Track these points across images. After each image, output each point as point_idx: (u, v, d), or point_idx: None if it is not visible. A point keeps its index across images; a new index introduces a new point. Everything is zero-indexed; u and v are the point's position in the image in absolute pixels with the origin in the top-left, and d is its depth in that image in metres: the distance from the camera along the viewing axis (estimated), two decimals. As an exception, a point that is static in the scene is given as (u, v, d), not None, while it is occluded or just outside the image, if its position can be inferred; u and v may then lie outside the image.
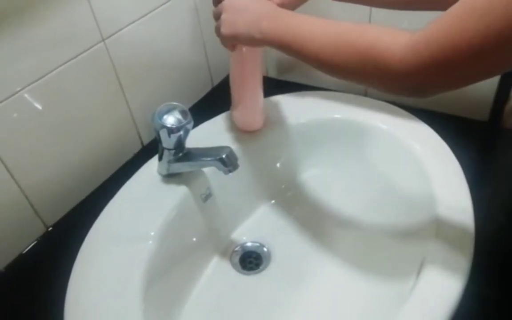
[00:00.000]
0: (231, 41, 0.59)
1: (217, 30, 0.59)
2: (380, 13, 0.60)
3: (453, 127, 0.68)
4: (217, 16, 0.59)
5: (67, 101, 0.62)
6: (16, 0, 0.52)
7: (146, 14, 0.69)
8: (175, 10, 0.75)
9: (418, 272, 0.51)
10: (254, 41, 0.54)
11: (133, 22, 0.68)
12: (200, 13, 0.80)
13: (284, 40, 0.51)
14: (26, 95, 0.56)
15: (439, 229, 0.54)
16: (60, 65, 0.59)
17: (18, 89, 0.55)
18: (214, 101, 0.86)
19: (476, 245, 0.51)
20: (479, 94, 0.71)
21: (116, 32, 0.65)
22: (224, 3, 0.57)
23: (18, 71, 0.54)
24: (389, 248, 0.64)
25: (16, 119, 0.56)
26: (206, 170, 0.66)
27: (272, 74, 0.91)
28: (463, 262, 0.50)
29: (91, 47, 0.62)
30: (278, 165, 0.76)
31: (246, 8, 0.55)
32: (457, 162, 0.62)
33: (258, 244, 0.71)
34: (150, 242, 0.57)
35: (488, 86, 0.69)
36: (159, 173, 0.65)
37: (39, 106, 0.58)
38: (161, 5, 0.72)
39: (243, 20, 0.55)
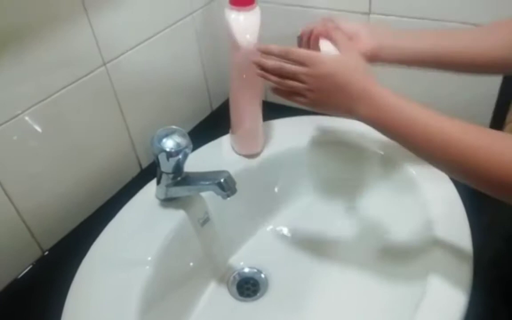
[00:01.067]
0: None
1: (285, 92, 0.54)
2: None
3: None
4: (290, 75, 0.52)
5: (67, 124, 0.62)
6: (19, 23, 0.53)
7: (147, 39, 0.70)
8: (175, 35, 0.76)
9: (417, 305, 0.50)
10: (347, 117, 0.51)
11: (135, 46, 0.69)
12: (200, 38, 0.82)
13: (385, 128, 0.48)
14: (26, 118, 0.56)
15: (436, 255, 0.54)
16: (61, 89, 0.59)
17: (19, 112, 0.55)
18: (213, 125, 0.87)
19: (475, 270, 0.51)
20: (479, 107, 0.71)
21: (118, 57, 0.66)
22: (308, 72, 0.51)
23: (19, 94, 0.55)
24: (387, 278, 0.63)
25: (15, 142, 0.56)
26: (204, 194, 0.65)
27: (272, 98, 0.91)
28: (461, 295, 0.49)
29: (92, 71, 0.63)
30: (276, 189, 0.76)
31: (337, 88, 0.49)
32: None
33: (255, 270, 0.71)
34: (147, 267, 0.56)
35: (489, 99, 0.70)
36: (157, 197, 0.64)
37: (39, 129, 0.58)
38: (162, 31, 0.73)
39: (336, 102, 0.50)
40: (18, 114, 0.55)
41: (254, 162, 0.72)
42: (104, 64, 0.64)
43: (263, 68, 0.56)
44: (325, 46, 0.57)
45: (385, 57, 0.56)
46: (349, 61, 0.51)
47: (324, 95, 0.51)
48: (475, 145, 0.41)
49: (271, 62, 0.54)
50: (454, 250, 0.54)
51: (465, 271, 0.51)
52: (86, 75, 0.62)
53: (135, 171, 0.76)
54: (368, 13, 0.72)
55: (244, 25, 0.62)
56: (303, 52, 0.52)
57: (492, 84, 0.68)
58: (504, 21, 0.54)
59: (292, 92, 0.53)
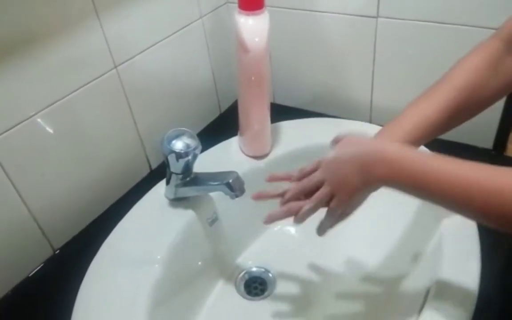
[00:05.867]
0: None
1: (319, 201, 0.50)
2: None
3: (457, 154, 0.68)
4: (311, 186, 0.51)
5: (78, 126, 0.63)
6: (31, 27, 0.54)
7: (157, 42, 0.71)
8: (185, 39, 0.77)
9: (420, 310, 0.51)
10: None
11: (145, 50, 0.70)
12: (209, 41, 0.83)
13: (408, 185, 0.44)
14: (39, 120, 0.57)
15: (441, 274, 0.53)
16: (73, 91, 0.61)
17: (32, 113, 0.56)
18: (221, 126, 0.88)
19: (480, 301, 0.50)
20: (484, 121, 0.71)
21: (128, 59, 0.67)
22: (322, 165, 0.50)
23: (32, 96, 0.56)
24: (395, 280, 0.64)
25: (28, 143, 0.57)
26: (213, 194, 0.66)
27: (279, 100, 0.93)
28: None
29: (103, 74, 0.64)
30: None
31: (348, 163, 0.47)
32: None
33: (263, 270, 0.71)
34: (156, 266, 0.57)
35: (493, 113, 0.70)
36: (167, 197, 0.65)
37: (51, 131, 0.59)
38: (172, 34, 0.74)
39: (354, 178, 0.47)
40: (31, 116, 0.56)
41: (262, 163, 0.73)
42: (115, 66, 0.65)
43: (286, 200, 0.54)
44: None
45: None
46: (352, 138, 0.50)
47: (340, 178, 0.48)
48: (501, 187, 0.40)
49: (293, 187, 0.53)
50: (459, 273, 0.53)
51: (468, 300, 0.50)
52: (97, 78, 0.63)
53: (145, 171, 0.77)
54: (376, 17, 0.72)
55: (253, 29, 0.63)
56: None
57: (496, 109, 0.69)
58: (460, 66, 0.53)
59: (318, 201, 0.51)
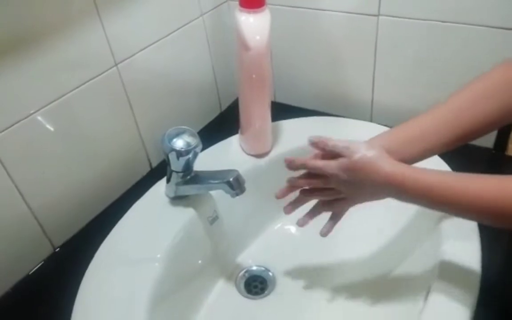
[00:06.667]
0: None
1: (326, 201, 0.58)
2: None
3: (458, 152, 0.68)
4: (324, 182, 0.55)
5: (79, 123, 0.63)
6: (32, 25, 0.54)
7: (157, 41, 0.71)
8: (186, 37, 0.77)
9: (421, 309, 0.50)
10: None
11: (145, 48, 0.69)
12: (210, 39, 0.83)
13: (421, 203, 0.49)
14: (39, 118, 0.57)
15: (443, 269, 0.53)
16: (73, 89, 0.60)
17: (32, 111, 0.56)
18: (222, 125, 0.88)
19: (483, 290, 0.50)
20: None
21: (129, 57, 0.67)
22: (335, 178, 0.53)
23: (32, 94, 0.56)
24: (395, 278, 0.64)
25: (28, 141, 0.57)
26: (213, 193, 0.66)
27: (280, 99, 0.93)
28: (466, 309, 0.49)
29: (104, 72, 0.64)
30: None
31: (364, 184, 0.51)
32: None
33: (263, 268, 0.71)
34: (157, 264, 0.57)
35: None
36: (167, 195, 0.65)
37: (51, 128, 0.59)
38: (172, 32, 0.74)
39: (368, 194, 0.53)
40: (32, 113, 0.56)
41: (262, 161, 0.73)
42: (116, 64, 0.65)
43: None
44: None
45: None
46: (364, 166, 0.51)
47: (355, 194, 0.55)
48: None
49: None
50: (461, 266, 0.53)
51: (471, 288, 0.51)
52: (98, 76, 0.63)
53: (145, 169, 0.77)
54: (377, 15, 0.72)
55: (254, 27, 0.63)
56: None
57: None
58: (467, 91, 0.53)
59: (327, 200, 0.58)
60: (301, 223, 0.60)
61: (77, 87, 0.61)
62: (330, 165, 0.53)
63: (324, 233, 0.59)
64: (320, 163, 0.55)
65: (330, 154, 0.54)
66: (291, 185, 0.59)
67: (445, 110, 0.53)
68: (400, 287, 0.63)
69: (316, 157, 0.57)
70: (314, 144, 0.55)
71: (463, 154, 0.70)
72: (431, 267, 0.55)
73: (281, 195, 0.60)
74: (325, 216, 0.60)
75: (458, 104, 0.53)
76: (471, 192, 0.45)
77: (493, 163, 0.74)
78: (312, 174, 0.57)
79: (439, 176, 0.47)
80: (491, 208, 0.43)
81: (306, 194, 0.59)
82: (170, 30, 0.73)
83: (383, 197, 0.52)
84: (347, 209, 0.58)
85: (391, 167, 0.49)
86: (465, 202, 0.45)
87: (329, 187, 0.55)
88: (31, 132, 0.57)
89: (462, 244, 0.55)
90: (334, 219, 0.59)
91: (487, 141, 0.74)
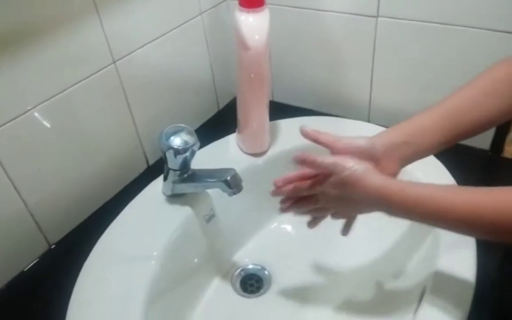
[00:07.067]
0: None
1: (321, 216, 0.58)
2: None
3: (454, 154, 0.68)
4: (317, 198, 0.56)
5: (76, 120, 0.63)
6: (30, 21, 0.54)
7: (156, 38, 0.71)
8: (184, 35, 0.77)
9: (416, 309, 0.51)
10: None
11: (144, 45, 0.69)
12: (208, 38, 0.82)
13: (409, 217, 0.49)
14: (36, 114, 0.57)
15: (438, 271, 0.53)
16: (71, 86, 0.60)
17: (29, 108, 0.56)
18: (219, 123, 0.88)
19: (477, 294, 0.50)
20: None
21: (127, 55, 0.67)
22: (325, 196, 0.54)
23: (30, 90, 0.56)
24: (390, 277, 0.64)
25: (25, 137, 0.57)
26: (210, 191, 0.66)
27: (278, 98, 0.93)
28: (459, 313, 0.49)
29: (102, 69, 0.64)
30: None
31: (353, 200, 0.51)
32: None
33: (259, 267, 0.71)
34: (153, 262, 0.57)
35: None
36: (164, 193, 0.65)
37: (48, 125, 0.59)
38: (171, 30, 0.74)
39: (358, 210, 0.54)
40: (29, 110, 0.56)
41: (260, 160, 0.73)
42: (114, 62, 0.65)
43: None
44: None
45: (408, 164, 0.55)
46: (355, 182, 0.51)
47: (345, 209, 0.55)
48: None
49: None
50: (455, 277, 0.53)
51: (465, 296, 0.51)
52: (95, 73, 0.63)
53: (142, 167, 0.76)
54: (376, 16, 0.72)
55: (253, 26, 0.63)
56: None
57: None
58: (493, 74, 0.53)
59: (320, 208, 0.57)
60: (311, 226, 0.61)
61: (74, 84, 0.61)
62: (319, 185, 0.53)
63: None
64: (308, 183, 0.54)
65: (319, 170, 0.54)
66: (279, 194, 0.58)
67: (444, 107, 0.53)
68: (397, 286, 0.63)
69: (303, 175, 0.56)
70: (301, 161, 0.54)
71: (459, 156, 0.70)
72: (426, 274, 0.55)
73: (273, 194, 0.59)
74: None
75: (459, 102, 0.52)
76: (458, 206, 0.44)
77: (489, 165, 0.74)
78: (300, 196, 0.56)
79: (426, 189, 0.47)
80: (477, 222, 0.43)
81: (298, 206, 0.58)
82: (168, 28, 0.73)
83: (372, 211, 0.52)
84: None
85: (379, 181, 0.48)
86: (451, 216, 0.44)
87: (318, 206, 0.56)
88: (27, 128, 0.57)
89: (458, 255, 0.54)
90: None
91: (484, 142, 0.74)
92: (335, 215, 0.57)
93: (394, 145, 0.52)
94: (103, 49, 0.63)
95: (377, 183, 0.48)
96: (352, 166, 0.50)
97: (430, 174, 0.64)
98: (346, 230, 0.59)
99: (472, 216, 0.43)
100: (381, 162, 0.52)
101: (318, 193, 0.54)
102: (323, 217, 0.58)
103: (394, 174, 0.53)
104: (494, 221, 0.42)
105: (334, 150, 0.54)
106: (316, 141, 0.56)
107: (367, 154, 0.52)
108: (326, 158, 0.52)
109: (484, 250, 0.54)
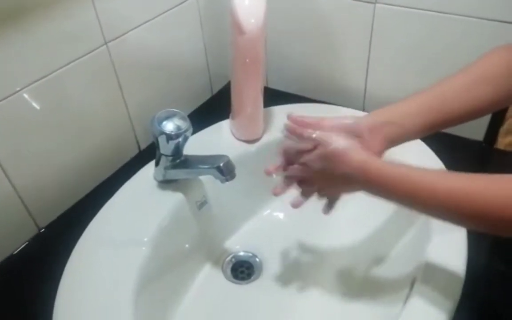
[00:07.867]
0: None
1: (307, 190, 0.58)
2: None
3: (448, 144, 0.68)
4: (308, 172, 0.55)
5: (66, 102, 0.61)
6: (18, 1, 0.52)
7: (149, 20, 0.70)
8: (178, 17, 0.75)
9: (406, 298, 0.51)
10: None
11: (136, 27, 0.68)
12: (203, 21, 0.81)
13: (387, 197, 0.49)
14: (25, 95, 0.56)
15: (428, 261, 0.53)
16: (61, 67, 0.59)
17: (18, 89, 0.55)
18: (213, 108, 0.87)
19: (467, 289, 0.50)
20: None
21: (119, 36, 0.65)
22: (311, 165, 0.53)
23: (19, 71, 0.54)
24: (382, 265, 0.64)
25: (14, 119, 0.55)
26: (202, 177, 0.66)
27: (273, 84, 0.92)
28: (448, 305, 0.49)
29: (93, 50, 0.62)
30: (274, 175, 0.76)
31: (336, 177, 0.51)
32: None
33: (250, 254, 0.71)
34: (144, 247, 0.57)
35: None
36: (155, 179, 0.64)
37: (37, 107, 0.58)
38: (164, 12, 0.72)
39: (340, 188, 0.54)
40: (18, 91, 0.55)
41: (253, 147, 0.72)
42: (106, 43, 0.64)
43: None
44: None
45: (393, 145, 0.55)
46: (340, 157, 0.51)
47: (332, 189, 0.55)
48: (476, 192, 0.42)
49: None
50: (446, 264, 0.53)
51: (454, 288, 0.51)
52: (87, 54, 0.62)
53: (134, 151, 0.75)
54: (374, 3, 0.71)
55: (249, 9, 0.62)
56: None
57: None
58: (482, 62, 0.53)
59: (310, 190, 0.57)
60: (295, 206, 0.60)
61: (65, 65, 0.59)
62: (308, 154, 0.53)
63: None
64: (299, 146, 0.55)
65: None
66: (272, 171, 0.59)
67: (433, 92, 0.53)
68: (387, 273, 0.63)
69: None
70: (291, 131, 0.55)
71: (452, 146, 0.71)
72: (416, 262, 0.55)
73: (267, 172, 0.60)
74: (314, 206, 0.60)
75: (449, 87, 0.53)
76: (440, 189, 0.43)
77: (482, 156, 0.74)
78: (291, 161, 0.57)
79: (406, 170, 0.46)
80: (459, 207, 0.42)
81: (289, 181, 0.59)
82: (162, 9, 0.72)
83: (354, 189, 0.52)
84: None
85: (362, 157, 0.49)
86: (432, 201, 0.44)
87: (306, 179, 0.56)
88: (17, 110, 0.55)
89: (448, 243, 0.55)
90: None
91: (477, 133, 0.74)
92: (320, 193, 0.57)
93: (378, 124, 0.53)
94: (95, 30, 0.62)
95: (360, 158, 0.49)
96: (337, 140, 0.50)
97: (423, 164, 0.65)
98: (327, 209, 0.59)
99: (455, 201, 0.42)
100: (366, 141, 0.52)
101: (305, 162, 0.54)
102: (309, 193, 0.58)
103: (379, 153, 0.53)
104: (478, 207, 0.41)
105: (321, 129, 0.54)
106: (302, 125, 0.55)
107: (353, 132, 0.52)
108: (313, 132, 0.53)
109: (474, 240, 0.55)
